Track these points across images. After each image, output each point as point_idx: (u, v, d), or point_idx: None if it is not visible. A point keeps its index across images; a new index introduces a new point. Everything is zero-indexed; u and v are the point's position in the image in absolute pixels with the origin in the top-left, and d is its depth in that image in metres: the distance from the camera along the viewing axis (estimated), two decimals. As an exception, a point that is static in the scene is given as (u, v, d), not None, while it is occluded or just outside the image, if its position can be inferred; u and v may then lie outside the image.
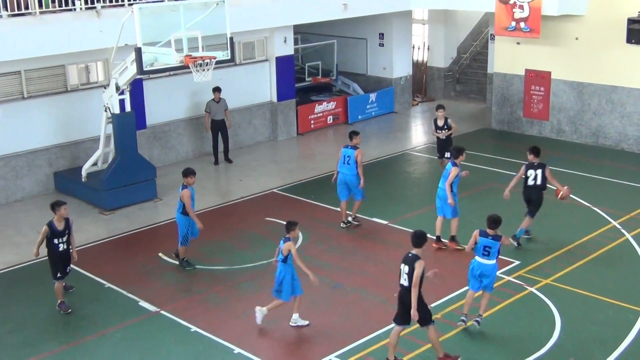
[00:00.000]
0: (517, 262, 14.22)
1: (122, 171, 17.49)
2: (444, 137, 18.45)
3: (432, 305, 12.69)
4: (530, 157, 14.71)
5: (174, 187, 18.89)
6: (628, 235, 15.28)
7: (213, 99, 20.28)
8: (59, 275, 12.69)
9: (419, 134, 24.24)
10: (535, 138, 22.48)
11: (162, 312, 12.77)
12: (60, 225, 12.55)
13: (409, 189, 18.57)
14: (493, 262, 11.77)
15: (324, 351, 11.46)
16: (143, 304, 13.05)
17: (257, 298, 13.07)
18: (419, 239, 10.67)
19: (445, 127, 18.42)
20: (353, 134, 15.93)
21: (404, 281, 10.69)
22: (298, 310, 12.16)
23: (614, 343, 11.43)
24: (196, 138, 21.45)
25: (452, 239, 14.90)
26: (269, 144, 22.92)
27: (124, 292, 13.42)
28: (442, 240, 14.95)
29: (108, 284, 13.79)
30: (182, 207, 13.95)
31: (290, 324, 12.16)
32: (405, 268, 10.64)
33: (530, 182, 14.67)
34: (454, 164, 14.56)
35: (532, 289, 13.17)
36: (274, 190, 18.79)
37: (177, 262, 14.51)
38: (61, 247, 12.59)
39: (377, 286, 13.55)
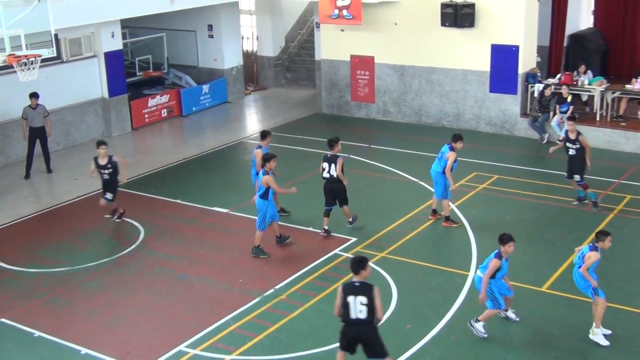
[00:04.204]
0: (354, 239, 14.85)
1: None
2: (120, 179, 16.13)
3: (277, 286, 13.13)
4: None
5: (4, 193, 18.27)
6: (452, 206, 16.23)
7: (30, 105, 19.27)
8: None
9: (253, 122, 24.59)
10: (363, 120, 23.45)
11: (2, 320, 12.36)
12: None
13: (247, 177, 18.81)
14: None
15: (173, 342, 11.51)
16: (-20, 313, 12.62)
17: (102, 297, 12.96)
18: (359, 263, 9.71)
19: (110, 165, 15.72)
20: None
21: (360, 313, 9.31)
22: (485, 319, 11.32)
23: (446, 306, 12.25)
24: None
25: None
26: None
27: (-42, 304, 12.86)
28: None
29: (-62, 297, 13.14)
30: (262, 191, 14.05)
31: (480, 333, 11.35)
32: (360, 299, 9.31)
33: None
34: None
35: (369, 263, 13.74)
36: (112, 187, 18.52)
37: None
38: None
39: (222, 274, 13.76)
